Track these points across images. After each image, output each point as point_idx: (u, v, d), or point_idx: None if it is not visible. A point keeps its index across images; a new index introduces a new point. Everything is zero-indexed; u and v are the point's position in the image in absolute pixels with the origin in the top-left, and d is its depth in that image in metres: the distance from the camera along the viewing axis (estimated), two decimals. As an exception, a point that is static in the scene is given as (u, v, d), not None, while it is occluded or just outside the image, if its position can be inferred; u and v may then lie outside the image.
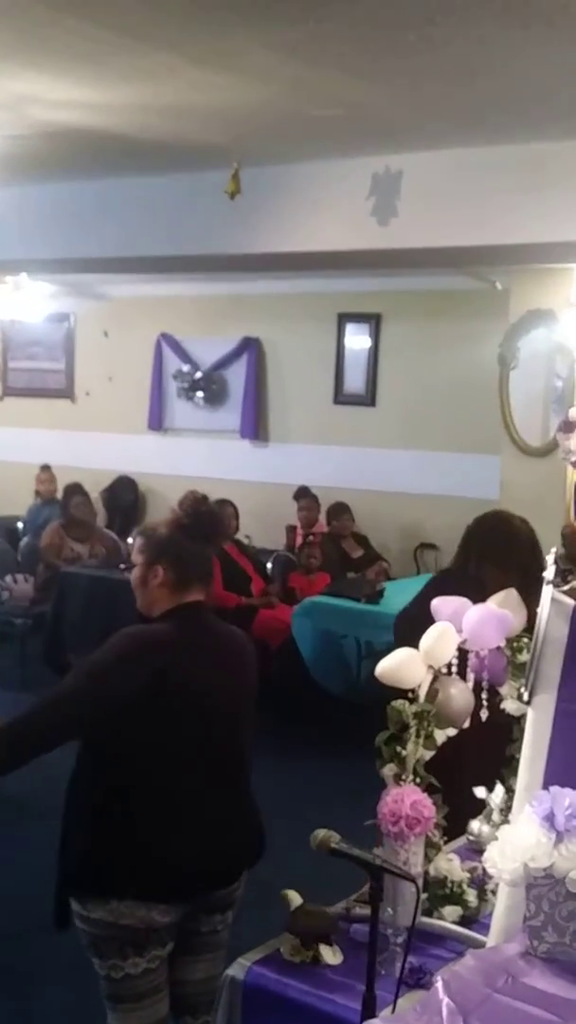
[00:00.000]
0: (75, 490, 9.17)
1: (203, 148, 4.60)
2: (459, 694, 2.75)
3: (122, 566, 6.52)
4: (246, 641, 3.21)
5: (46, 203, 5.67)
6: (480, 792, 3.05)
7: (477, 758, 2.99)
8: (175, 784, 2.89)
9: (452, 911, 2.71)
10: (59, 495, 9.58)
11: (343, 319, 9.56)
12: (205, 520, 3.08)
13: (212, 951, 3.05)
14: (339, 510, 8.92)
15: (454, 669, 2.75)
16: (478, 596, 2.86)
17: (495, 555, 3.72)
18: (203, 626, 3.07)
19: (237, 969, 2.55)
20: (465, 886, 2.76)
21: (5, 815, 5.39)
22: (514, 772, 2.51)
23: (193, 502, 3.10)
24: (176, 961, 3.00)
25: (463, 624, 2.74)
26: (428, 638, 2.72)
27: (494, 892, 2.56)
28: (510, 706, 2.78)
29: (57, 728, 2.88)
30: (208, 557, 3.13)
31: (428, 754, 2.69)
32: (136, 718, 2.87)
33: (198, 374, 10.26)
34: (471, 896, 2.75)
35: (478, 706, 2.78)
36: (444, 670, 2.74)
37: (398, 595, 7.46)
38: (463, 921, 2.69)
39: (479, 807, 3.08)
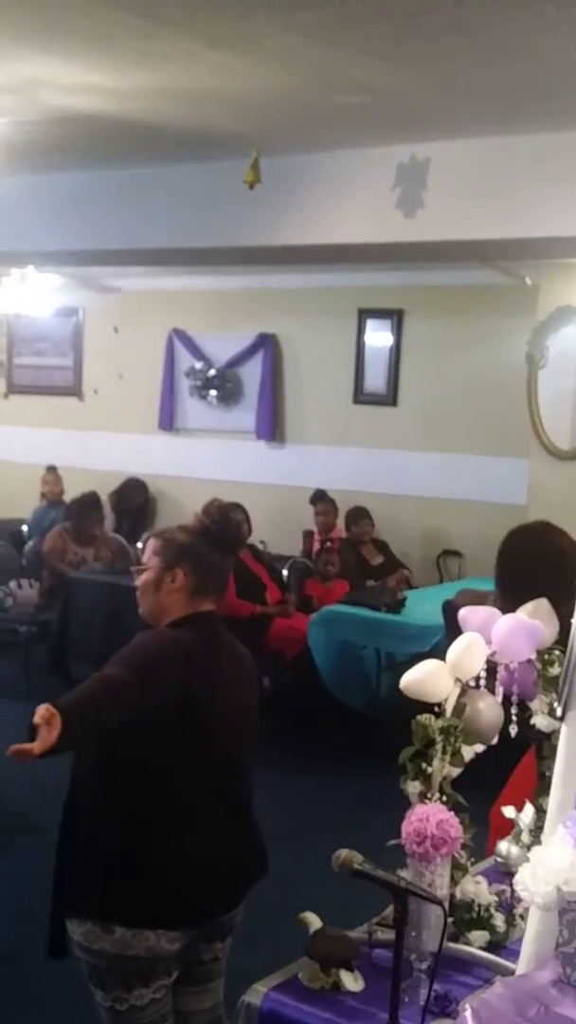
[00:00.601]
0: (91, 504, 8.97)
1: (221, 136, 4.61)
2: (487, 708, 2.74)
3: (133, 568, 6.52)
4: (250, 657, 3.19)
5: (55, 192, 5.69)
6: (509, 812, 3.04)
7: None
8: (191, 806, 2.89)
9: (479, 936, 2.70)
10: (65, 497, 9.58)
11: (363, 315, 9.56)
12: (231, 530, 3.10)
13: (215, 980, 3.05)
14: (358, 515, 8.91)
15: (482, 682, 2.75)
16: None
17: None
18: (218, 638, 3.06)
19: (253, 995, 2.54)
20: (493, 910, 2.76)
21: (2, 828, 5.40)
22: (545, 791, 2.51)
23: (220, 508, 3.11)
24: (179, 992, 2.98)
25: (492, 635, 2.74)
26: (455, 650, 2.71)
27: (524, 917, 2.55)
28: (541, 722, 2.77)
29: (112, 712, 2.74)
30: (227, 569, 3.14)
31: (455, 771, 2.69)
32: (159, 729, 2.85)
33: (211, 372, 10.27)
34: (499, 921, 2.74)
35: (507, 721, 2.78)
36: (472, 683, 2.73)
37: (420, 604, 7.46)
38: (491, 947, 2.68)
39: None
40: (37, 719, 2.57)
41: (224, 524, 3.07)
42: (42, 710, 2.58)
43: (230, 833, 2.95)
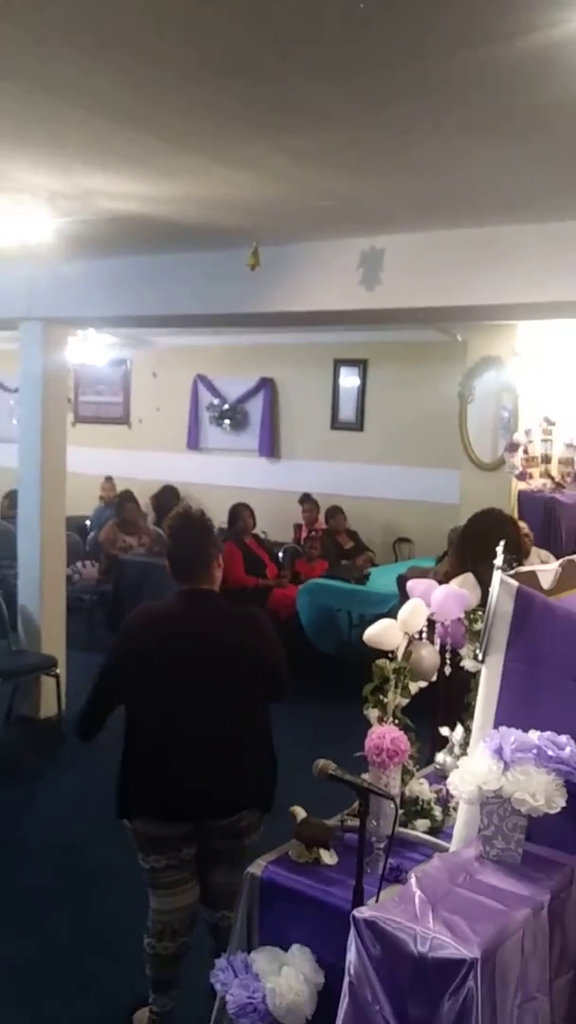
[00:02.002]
0: (127, 497, 9.17)
1: (230, 230, 4.59)
2: (428, 655, 2.74)
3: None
4: (241, 622, 3.07)
5: (107, 273, 5.67)
6: (444, 731, 3.04)
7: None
8: (160, 738, 2.92)
9: (423, 823, 2.71)
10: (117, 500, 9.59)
11: (338, 363, 9.55)
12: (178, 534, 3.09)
13: (225, 864, 3.06)
14: (335, 512, 8.91)
15: (424, 635, 2.75)
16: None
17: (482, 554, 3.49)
18: (193, 608, 3.03)
19: (256, 867, 2.55)
20: (433, 804, 2.76)
21: (72, 747, 5.38)
22: (471, 715, 2.51)
23: (178, 516, 3.11)
24: (202, 867, 3.07)
25: (432, 601, 2.74)
26: (404, 611, 2.71)
27: (455, 809, 2.55)
28: (468, 664, 2.78)
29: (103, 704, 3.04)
30: (188, 558, 3.05)
31: (404, 701, 2.69)
32: (129, 678, 2.96)
33: (226, 406, 10.26)
34: (438, 812, 2.75)
35: (443, 664, 2.78)
36: (417, 636, 2.74)
37: (380, 578, 7.47)
38: (431, 831, 2.69)
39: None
40: None
41: (177, 526, 3.06)
42: None
43: (203, 762, 2.90)
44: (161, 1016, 3.13)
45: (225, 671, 2.95)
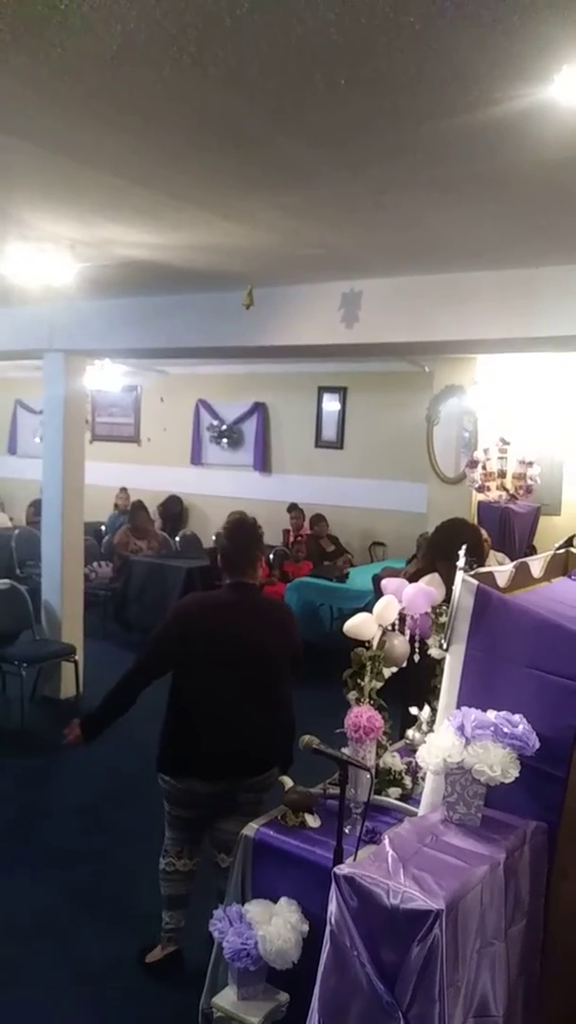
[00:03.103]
0: (139, 506, 9.13)
1: (228, 274, 4.60)
2: (399, 644, 2.75)
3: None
4: (279, 615, 3.13)
5: (121, 311, 5.67)
6: (414, 710, 3.04)
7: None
8: (213, 701, 2.90)
9: (394, 791, 2.70)
10: (129, 508, 9.56)
11: (321, 390, 9.56)
12: (237, 534, 3.10)
13: (245, 815, 3.02)
14: (318, 519, 8.90)
15: (396, 627, 2.75)
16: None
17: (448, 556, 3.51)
18: (243, 598, 3.04)
19: (249, 830, 2.54)
20: (403, 774, 2.76)
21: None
22: (437, 697, 2.51)
23: (233, 521, 3.13)
24: (220, 815, 3.05)
25: (403, 597, 2.74)
26: (378, 606, 2.71)
27: (423, 778, 2.54)
28: (434, 652, 2.78)
29: (136, 687, 2.98)
30: (238, 555, 3.07)
31: (379, 684, 2.68)
32: (176, 656, 2.94)
33: (224, 427, 10.25)
34: (408, 781, 2.74)
35: (413, 652, 2.78)
36: (389, 627, 2.74)
37: (357, 576, 7.46)
38: (402, 798, 2.69)
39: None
40: (69, 733, 2.95)
41: (234, 529, 3.08)
42: (72, 728, 2.96)
43: (246, 725, 2.91)
44: (172, 933, 3.13)
45: (266, 649, 2.99)
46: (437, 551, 3.26)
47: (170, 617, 3.03)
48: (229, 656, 2.92)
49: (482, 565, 2.67)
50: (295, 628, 3.14)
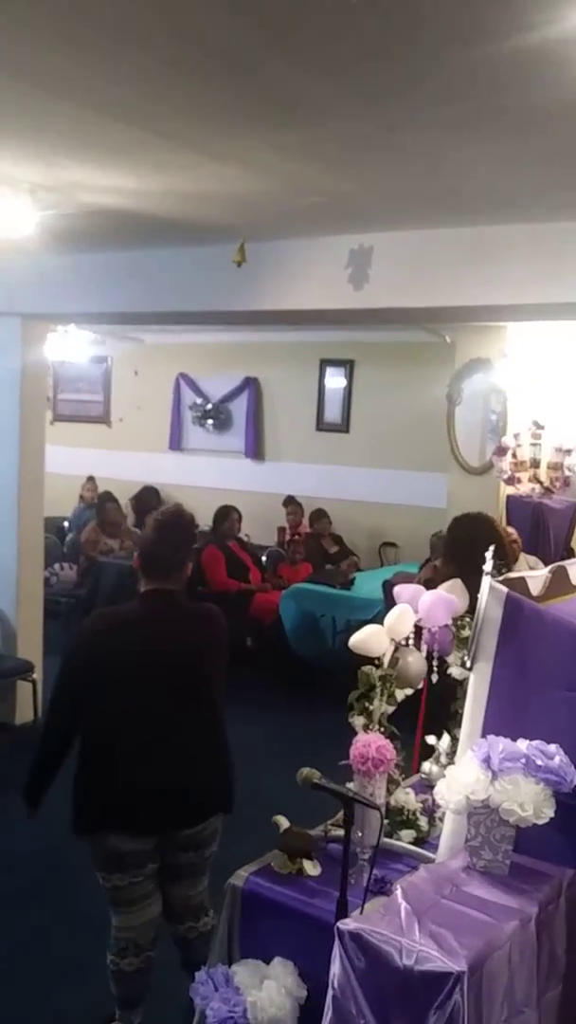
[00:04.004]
0: (108, 498, 9.17)
1: (217, 226, 4.59)
2: (415, 661, 2.76)
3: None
4: (206, 622, 3.06)
5: (89, 268, 5.66)
6: (430, 739, 3.05)
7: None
8: (132, 744, 2.87)
9: (408, 833, 2.71)
10: (97, 501, 9.56)
11: (324, 363, 9.56)
12: (173, 532, 3.04)
13: (188, 878, 3.05)
14: (319, 515, 8.92)
15: (411, 642, 2.76)
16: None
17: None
18: (161, 608, 3.00)
19: (237, 879, 2.55)
20: (419, 814, 2.77)
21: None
22: (458, 724, 2.52)
23: (171, 513, 3.08)
24: (162, 881, 3.04)
25: (419, 606, 2.75)
26: (391, 617, 2.72)
27: (441, 819, 2.56)
28: (455, 671, 2.79)
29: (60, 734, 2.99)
30: (166, 557, 3.01)
31: (390, 709, 2.69)
32: (88, 691, 2.91)
33: (209, 406, 10.25)
34: (423, 822, 2.75)
35: (430, 671, 2.79)
36: (403, 642, 2.74)
37: (366, 583, 7.47)
38: (416, 842, 2.70)
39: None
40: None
41: (168, 524, 3.02)
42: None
43: (169, 768, 2.87)
44: None
45: (192, 672, 2.95)
46: (455, 552, 3.27)
47: (73, 645, 2.97)
48: (149, 684, 2.87)
49: (511, 569, 2.68)
50: (225, 638, 3.08)
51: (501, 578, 2.34)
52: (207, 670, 2.99)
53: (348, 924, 1.86)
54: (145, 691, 2.87)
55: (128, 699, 2.86)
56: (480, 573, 2.34)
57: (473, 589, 2.49)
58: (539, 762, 2.07)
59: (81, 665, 2.92)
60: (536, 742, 2.12)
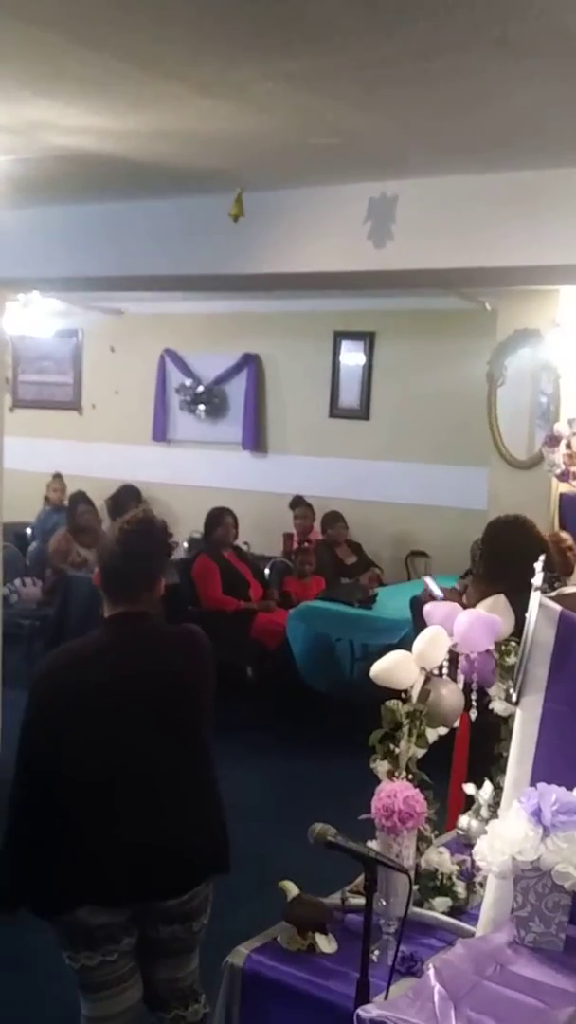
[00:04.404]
0: (80, 498, 9.20)
1: (208, 173, 4.61)
2: (450, 695, 2.76)
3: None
4: (181, 649, 3.06)
5: (56, 224, 5.68)
6: (469, 789, 3.05)
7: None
8: (104, 802, 2.85)
9: (442, 902, 2.72)
10: (67, 503, 9.58)
11: (339, 337, 9.58)
12: (142, 541, 3.01)
13: (174, 956, 3.04)
14: (333, 519, 8.93)
15: (445, 671, 2.76)
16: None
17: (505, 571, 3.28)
18: (128, 638, 2.99)
19: (236, 957, 2.55)
20: (455, 878, 2.77)
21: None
22: (502, 769, 2.52)
23: (139, 520, 3.04)
24: (142, 961, 3.02)
25: (454, 628, 2.75)
26: (421, 641, 2.72)
27: (482, 884, 2.56)
28: (498, 706, 2.79)
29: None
30: (133, 575, 3.00)
31: (420, 752, 2.70)
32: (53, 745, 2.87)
33: (200, 388, 10.27)
34: (460, 888, 2.76)
35: (468, 706, 2.79)
36: (436, 672, 2.75)
37: (390, 600, 7.47)
38: (452, 912, 2.70)
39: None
40: None
41: (134, 535, 2.99)
42: None
43: (148, 824, 2.86)
44: None
45: (172, 712, 2.94)
46: (493, 565, 3.28)
47: (33, 690, 2.93)
48: (123, 724, 2.85)
49: (565, 583, 2.68)
50: (211, 662, 3.08)
51: (553, 594, 2.35)
52: (191, 704, 2.99)
53: (370, 1011, 1.86)
54: (118, 733, 2.85)
55: (97, 743, 2.84)
56: (526, 589, 2.34)
57: (519, 608, 2.49)
58: (600, 815, 2.07)
59: (45, 708, 2.89)
60: (596, 791, 2.12)
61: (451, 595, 4.47)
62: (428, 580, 5.91)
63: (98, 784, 2.85)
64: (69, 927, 2.90)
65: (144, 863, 2.86)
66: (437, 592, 5.04)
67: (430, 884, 2.74)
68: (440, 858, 2.80)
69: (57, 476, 10.24)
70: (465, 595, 3.54)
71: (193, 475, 10.13)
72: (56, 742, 2.86)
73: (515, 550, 3.24)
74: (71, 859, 2.84)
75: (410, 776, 2.66)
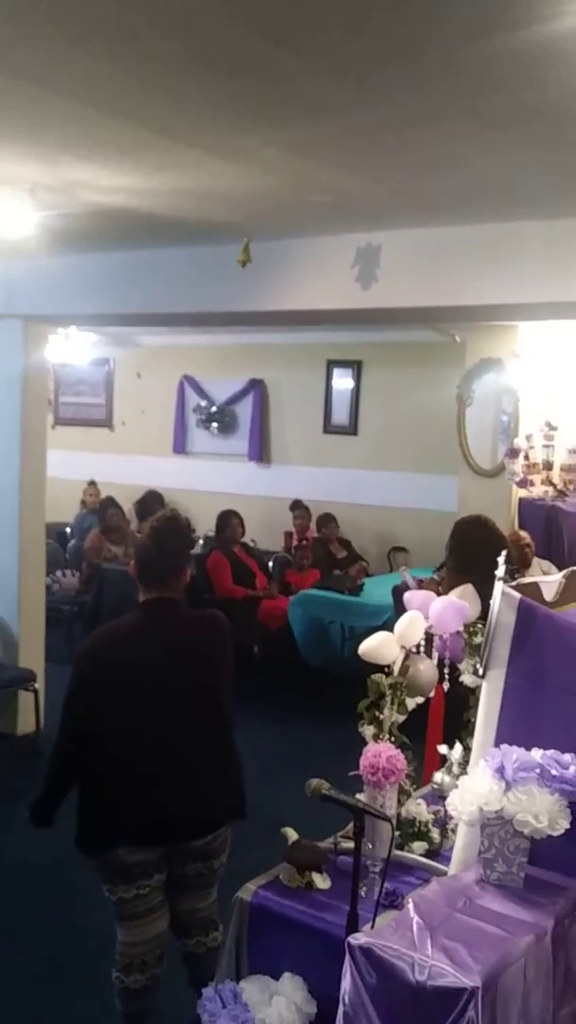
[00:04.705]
0: (110, 503, 9.16)
1: (220, 225, 4.61)
2: (426, 669, 2.76)
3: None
4: (208, 631, 3.08)
5: (91, 269, 5.68)
6: (442, 749, 3.05)
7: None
8: (142, 757, 2.88)
9: (420, 846, 2.71)
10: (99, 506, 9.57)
11: (331, 364, 9.57)
12: (170, 538, 3.04)
13: (197, 890, 3.07)
14: (327, 519, 8.92)
15: (422, 649, 2.76)
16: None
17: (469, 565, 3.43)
18: (161, 620, 3.01)
19: (245, 892, 2.55)
20: (431, 825, 2.77)
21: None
22: (470, 733, 2.52)
23: (165, 519, 3.07)
24: (170, 894, 3.05)
25: (429, 613, 2.75)
26: (401, 624, 2.72)
27: (454, 830, 2.56)
28: (467, 679, 2.79)
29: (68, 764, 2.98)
30: (164, 564, 3.00)
31: (401, 718, 2.69)
32: (93, 711, 2.91)
33: (213, 408, 10.27)
34: (435, 834, 2.75)
35: (441, 679, 2.79)
36: (414, 649, 2.74)
37: (375, 589, 7.47)
38: (428, 854, 2.70)
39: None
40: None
41: (164, 531, 3.02)
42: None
43: (179, 778, 2.89)
44: None
45: (198, 683, 2.97)
46: (462, 558, 3.27)
47: (77, 664, 2.98)
48: (156, 698, 2.88)
49: (523, 574, 2.68)
50: (231, 643, 3.10)
51: (514, 583, 2.35)
52: (215, 676, 3.02)
53: (359, 939, 1.86)
54: (153, 701, 2.89)
55: (136, 710, 2.88)
56: (491, 579, 2.34)
57: (485, 595, 2.49)
58: (554, 772, 2.07)
59: (87, 681, 2.93)
60: (551, 751, 2.12)
61: (429, 585, 4.46)
62: (404, 571, 5.90)
63: (134, 746, 2.87)
64: (110, 864, 2.93)
65: (175, 811, 2.90)
66: (411, 581, 5.04)
67: (409, 830, 2.74)
68: (418, 808, 2.79)
69: (92, 483, 10.24)
70: (441, 585, 3.52)
71: (207, 482, 10.12)
72: (96, 711, 2.88)
73: (478, 544, 3.26)
74: (112, 809, 2.89)
75: (392, 738, 2.66)
